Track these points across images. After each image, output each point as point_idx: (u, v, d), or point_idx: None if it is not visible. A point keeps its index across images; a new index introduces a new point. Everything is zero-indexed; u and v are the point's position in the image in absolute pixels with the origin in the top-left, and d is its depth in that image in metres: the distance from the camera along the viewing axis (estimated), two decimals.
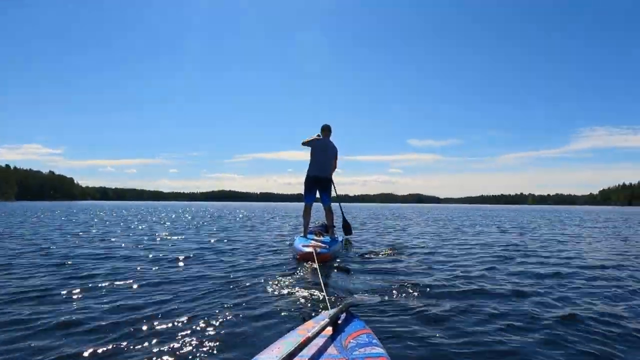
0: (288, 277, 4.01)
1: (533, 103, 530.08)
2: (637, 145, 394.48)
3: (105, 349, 2.16)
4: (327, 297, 2.80)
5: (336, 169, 6.38)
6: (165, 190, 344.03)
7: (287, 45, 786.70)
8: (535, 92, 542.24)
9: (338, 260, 5.29)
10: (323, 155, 6.15)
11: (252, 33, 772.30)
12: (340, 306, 1.88)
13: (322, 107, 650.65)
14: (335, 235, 6.37)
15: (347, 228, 7.18)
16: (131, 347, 2.18)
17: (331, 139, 6.40)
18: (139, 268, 4.51)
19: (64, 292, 3.35)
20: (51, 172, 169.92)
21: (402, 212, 30.07)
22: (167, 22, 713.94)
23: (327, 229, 6.47)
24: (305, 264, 4.74)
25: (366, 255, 5.69)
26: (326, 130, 6.32)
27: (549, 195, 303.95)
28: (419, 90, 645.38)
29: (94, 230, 9.94)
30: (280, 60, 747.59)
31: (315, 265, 4.26)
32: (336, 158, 6.33)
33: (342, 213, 7.39)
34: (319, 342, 1.54)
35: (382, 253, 5.89)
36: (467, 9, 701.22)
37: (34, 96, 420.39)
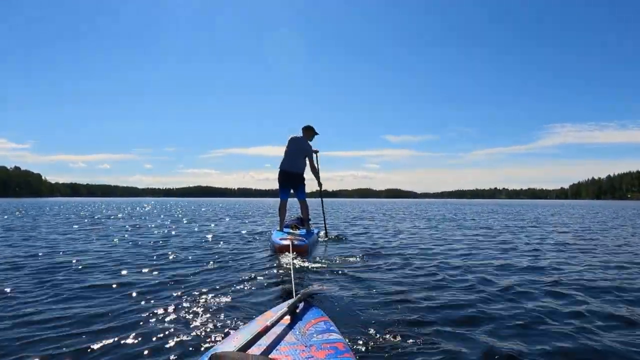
0: (260, 270, 4.09)
1: (504, 101, 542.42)
2: (603, 141, 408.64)
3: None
4: (294, 288, 2.81)
5: (318, 170, 6.45)
6: (140, 187, 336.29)
7: (264, 41, 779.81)
8: (505, 91, 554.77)
9: (314, 252, 5.37)
10: (293, 150, 6.19)
11: (230, 28, 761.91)
12: (299, 295, 1.89)
13: (299, 103, 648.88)
14: (311, 228, 6.48)
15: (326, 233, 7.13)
16: (85, 338, 2.21)
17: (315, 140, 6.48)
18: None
19: None
20: (16, 168, 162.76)
21: (390, 208, 27.29)
22: (142, 14, 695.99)
23: (302, 222, 6.49)
24: (280, 256, 4.84)
25: (341, 246, 6.01)
26: (305, 130, 6.37)
27: (521, 189, 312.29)
28: (394, 87, 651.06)
29: None
30: (257, 56, 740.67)
31: (291, 257, 4.29)
32: (309, 157, 6.26)
33: (324, 220, 7.52)
34: (277, 330, 1.57)
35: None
36: (438, 9, 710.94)
37: None
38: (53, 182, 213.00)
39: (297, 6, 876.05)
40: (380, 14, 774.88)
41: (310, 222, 6.54)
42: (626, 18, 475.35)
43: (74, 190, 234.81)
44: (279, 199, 6.30)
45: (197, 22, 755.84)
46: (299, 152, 6.16)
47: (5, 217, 14.11)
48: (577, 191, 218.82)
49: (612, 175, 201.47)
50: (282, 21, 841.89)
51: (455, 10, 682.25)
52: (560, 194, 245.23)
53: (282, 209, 6.32)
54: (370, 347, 2.13)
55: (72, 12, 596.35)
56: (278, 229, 6.32)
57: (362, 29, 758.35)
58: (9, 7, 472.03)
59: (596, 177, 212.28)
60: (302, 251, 4.96)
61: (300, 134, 6.32)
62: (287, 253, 4.74)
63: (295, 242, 5.00)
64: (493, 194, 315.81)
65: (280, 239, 5.29)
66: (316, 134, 6.45)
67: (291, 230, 6.05)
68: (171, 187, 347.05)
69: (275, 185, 6.25)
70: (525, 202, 67.86)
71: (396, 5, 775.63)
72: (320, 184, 6.60)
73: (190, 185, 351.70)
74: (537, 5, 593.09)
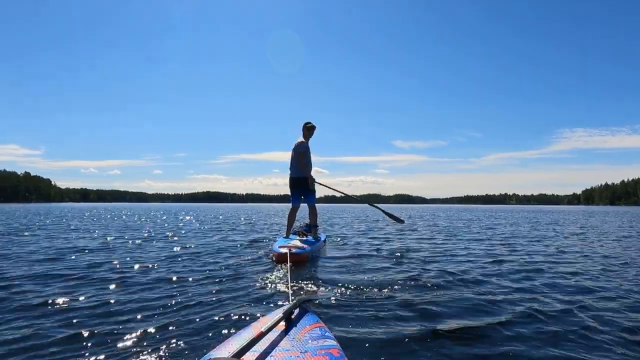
0: (256, 276, 4.04)
1: (513, 106, 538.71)
2: (615, 146, 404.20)
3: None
4: (290, 295, 2.64)
5: (312, 168, 6.10)
6: (149, 192, 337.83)
7: (273, 47, 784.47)
8: (515, 95, 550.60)
9: (317, 260, 5.18)
10: (292, 155, 6.07)
11: (240, 34, 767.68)
12: (294, 302, 1.88)
13: (308, 108, 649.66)
14: (319, 236, 6.29)
15: (394, 218, 6.45)
16: (76, 341, 2.26)
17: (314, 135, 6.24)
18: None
19: None
20: (27, 173, 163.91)
21: (417, 216, 22.87)
22: (148, 20, 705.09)
23: (310, 229, 6.30)
24: (278, 264, 4.73)
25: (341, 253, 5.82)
26: (302, 129, 6.16)
27: (532, 195, 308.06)
28: (403, 92, 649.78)
29: None
30: (266, 63, 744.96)
31: (288, 266, 4.12)
32: (302, 155, 5.92)
33: (378, 207, 6.83)
34: (272, 336, 1.56)
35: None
36: (448, 13, 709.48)
37: (11, 95, 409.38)
38: (63, 187, 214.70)
39: (291, 9, 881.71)
40: (390, 18, 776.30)
41: (317, 229, 6.34)
42: (637, 22, 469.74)
43: (83, 195, 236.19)
44: (285, 205, 5.51)
45: (205, 27, 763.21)
46: (296, 155, 5.97)
47: None
48: (590, 196, 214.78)
49: (626, 180, 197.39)
50: (289, 26, 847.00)
51: (466, 14, 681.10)
52: (573, 199, 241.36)
53: (292, 215, 6.17)
54: (365, 354, 2.12)
55: (83, 18, 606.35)
56: (285, 235, 6.17)
57: (371, 34, 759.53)
58: (21, 10, 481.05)
59: (609, 183, 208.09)
60: (300, 260, 4.80)
61: (301, 134, 6.18)
62: (284, 262, 4.54)
63: (294, 251, 4.82)
64: (503, 199, 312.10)
65: (280, 247, 5.07)
66: (313, 127, 6.15)
67: (298, 237, 5.88)
68: (180, 193, 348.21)
69: (283, 190, 6.25)
70: (558, 209, 63.81)
71: (405, 9, 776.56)
72: (312, 179, 6.08)
73: (199, 191, 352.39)
74: (549, 9, 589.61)
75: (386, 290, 3.48)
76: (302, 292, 3.42)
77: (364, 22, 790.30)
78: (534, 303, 3.12)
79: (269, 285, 3.66)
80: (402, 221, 6.41)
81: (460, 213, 31.15)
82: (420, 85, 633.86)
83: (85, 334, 2.36)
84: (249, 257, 5.33)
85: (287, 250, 4.76)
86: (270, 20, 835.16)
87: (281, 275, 4.11)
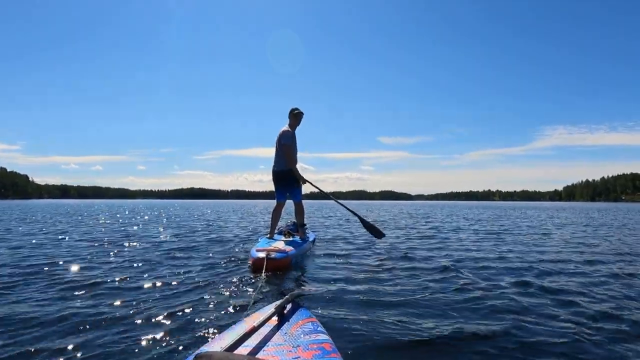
0: (247, 272, 4.00)
1: (497, 103, 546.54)
2: (595, 143, 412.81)
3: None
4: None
5: (297, 162, 5.42)
6: (132, 188, 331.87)
7: (261, 43, 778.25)
8: (498, 93, 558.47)
9: (304, 262, 4.77)
10: (276, 147, 5.45)
11: (225, 31, 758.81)
12: (287, 297, 1.89)
13: (293, 104, 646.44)
14: (307, 236, 5.77)
15: (374, 231, 5.35)
16: (68, 338, 2.22)
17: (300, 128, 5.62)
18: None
19: None
20: (3, 169, 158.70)
21: (419, 213, 22.05)
22: (139, 16, 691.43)
23: (297, 228, 5.75)
24: (255, 272, 4.06)
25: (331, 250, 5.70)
26: (289, 116, 5.53)
27: (515, 191, 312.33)
28: (388, 88, 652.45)
29: None
30: (251, 59, 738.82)
31: (263, 274, 3.78)
32: (288, 147, 5.28)
33: (358, 215, 5.62)
34: (264, 331, 1.57)
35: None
36: (432, 10, 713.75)
37: None
38: (42, 183, 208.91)
39: (292, 9, 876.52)
40: (374, 15, 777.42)
41: (305, 228, 5.82)
42: (614, 20, 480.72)
43: (63, 191, 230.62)
44: (271, 202, 4.80)
45: (195, 25, 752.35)
46: (280, 147, 5.36)
47: None
48: (571, 193, 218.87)
49: (606, 177, 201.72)
50: (289, 26, 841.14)
51: (450, 12, 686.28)
52: (554, 195, 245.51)
53: (276, 212, 5.60)
54: (356, 348, 2.13)
55: (70, 14, 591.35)
56: (268, 235, 5.54)
57: (357, 31, 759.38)
58: (5, 8, 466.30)
59: (590, 179, 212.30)
60: (280, 267, 4.20)
61: (287, 122, 5.55)
62: (260, 270, 3.98)
63: (272, 255, 4.23)
64: (487, 195, 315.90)
65: (258, 250, 4.40)
66: (300, 113, 5.51)
67: (284, 238, 5.36)
68: (164, 189, 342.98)
69: (268, 186, 5.72)
70: (556, 205, 64.06)
71: (405, 9, 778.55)
72: (301, 179, 5.42)
73: (183, 187, 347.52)
74: (545, 9, 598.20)
75: (378, 286, 3.46)
76: (294, 288, 3.44)
77: (364, 22, 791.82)
78: None
79: (259, 281, 3.53)
80: (382, 235, 5.37)
81: (463, 211, 30.35)
82: (406, 81, 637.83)
83: (77, 337, 2.28)
84: (222, 264, 4.55)
85: (265, 255, 4.15)
86: (270, 20, 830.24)
87: (256, 283, 3.59)
